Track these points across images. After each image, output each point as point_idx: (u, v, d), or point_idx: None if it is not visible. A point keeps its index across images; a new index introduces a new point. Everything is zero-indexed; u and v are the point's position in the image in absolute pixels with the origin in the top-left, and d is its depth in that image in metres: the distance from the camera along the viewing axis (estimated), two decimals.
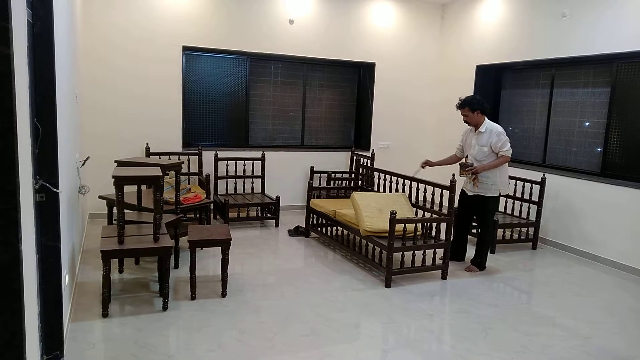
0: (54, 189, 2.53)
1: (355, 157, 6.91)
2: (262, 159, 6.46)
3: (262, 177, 6.47)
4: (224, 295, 3.78)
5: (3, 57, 1.57)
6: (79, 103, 4.94)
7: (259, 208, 6.19)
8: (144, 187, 4.50)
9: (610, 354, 3.22)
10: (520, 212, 5.71)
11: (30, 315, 1.96)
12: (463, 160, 4.77)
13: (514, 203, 5.78)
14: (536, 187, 5.54)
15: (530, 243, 5.61)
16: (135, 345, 2.99)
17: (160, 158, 5.80)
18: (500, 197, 4.68)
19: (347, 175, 6.93)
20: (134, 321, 3.31)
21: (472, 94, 5.00)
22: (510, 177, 5.75)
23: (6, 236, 1.65)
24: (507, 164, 4.63)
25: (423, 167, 4.97)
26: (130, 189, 4.10)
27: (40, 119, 2.44)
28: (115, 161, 4.18)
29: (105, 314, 3.33)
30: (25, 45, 2.02)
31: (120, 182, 3.35)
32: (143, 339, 3.08)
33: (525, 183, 5.65)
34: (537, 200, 5.53)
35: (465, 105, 4.57)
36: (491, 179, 4.57)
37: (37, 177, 2.41)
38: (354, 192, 4.84)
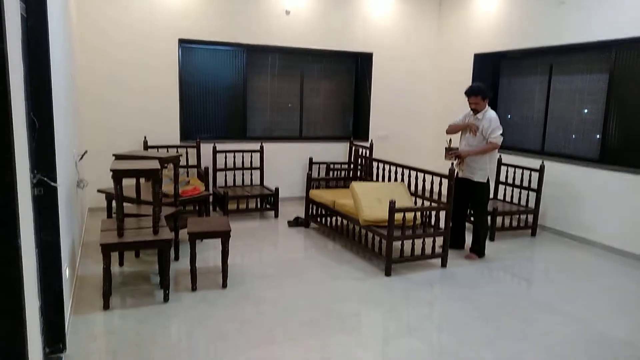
0: (52, 183, 2.53)
1: (353, 148, 6.90)
2: (261, 151, 6.46)
3: (261, 168, 6.47)
4: (224, 286, 3.80)
5: None
6: (77, 96, 4.93)
7: (258, 199, 6.19)
8: (142, 181, 4.50)
9: (610, 339, 3.24)
10: (520, 199, 5.72)
11: (32, 309, 1.98)
12: (447, 144, 4.78)
13: (512, 190, 5.79)
14: (535, 175, 5.54)
15: (530, 230, 5.63)
16: (137, 337, 3.02)
17: (158, 151, 5.78)
18: (490, 183, 4.71)
19: (346, 166, 6.92)
20: (135, 313, 3.33)
21: (478, 83, 4.97)
22: (509, 165, 5.81)
23: (4, 231, 1.66)
24: (496, 151, 4.66)
25: (450, 156, 4.72)
26: (129, 183, 4.10)
27: (37, 113, 2.44)
28: (114, 155, 4.17)
29: (106, 307, 3.35)
30: (19, 40, 2.01)
31: (118, 175, 3.35)
32: (144, 330, 3.10)
33: (524, 170, 5.66)
34: (536, 187, 5.54)
35: (478, 93, 4.58)
36: (480, 164, 4.60)
37: (35, 171, 2.41)
38: (353, 182, 4.84)
